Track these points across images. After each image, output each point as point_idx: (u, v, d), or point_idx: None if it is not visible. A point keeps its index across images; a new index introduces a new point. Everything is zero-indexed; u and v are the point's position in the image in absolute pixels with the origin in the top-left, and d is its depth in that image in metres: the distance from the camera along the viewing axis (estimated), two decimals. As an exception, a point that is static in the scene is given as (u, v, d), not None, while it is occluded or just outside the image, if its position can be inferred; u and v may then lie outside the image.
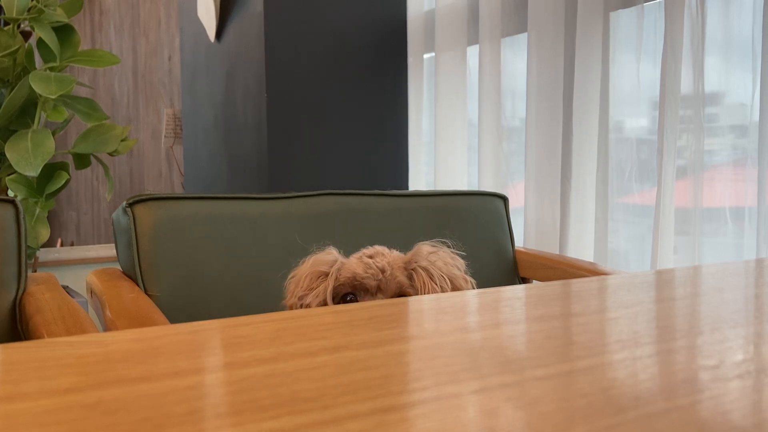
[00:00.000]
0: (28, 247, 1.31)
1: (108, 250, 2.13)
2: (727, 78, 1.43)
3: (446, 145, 1.95)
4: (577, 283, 0.55)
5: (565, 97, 1.63)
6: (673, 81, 1.39)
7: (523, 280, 1.43)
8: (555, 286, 0.54)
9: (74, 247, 2.34)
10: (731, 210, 1.41)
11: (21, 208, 0.99)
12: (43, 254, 2.02)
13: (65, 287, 2.02)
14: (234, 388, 0.30)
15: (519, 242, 1.69)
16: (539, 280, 1.43)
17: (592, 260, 1.61)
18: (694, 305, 0.47)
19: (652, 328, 0.40)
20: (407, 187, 2.11)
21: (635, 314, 0.44)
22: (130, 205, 1.09)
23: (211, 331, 0.40)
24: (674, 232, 1.43)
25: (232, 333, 0.39)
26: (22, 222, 0.98)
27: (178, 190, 3.28)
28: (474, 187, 1.91)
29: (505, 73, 1.83)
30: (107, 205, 4.21)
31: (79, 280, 2.07)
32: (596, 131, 1.57)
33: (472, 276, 0.91)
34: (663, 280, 0.58)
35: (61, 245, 4.76)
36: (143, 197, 1.10)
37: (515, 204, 1.82)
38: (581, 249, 1.61)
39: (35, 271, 1.95)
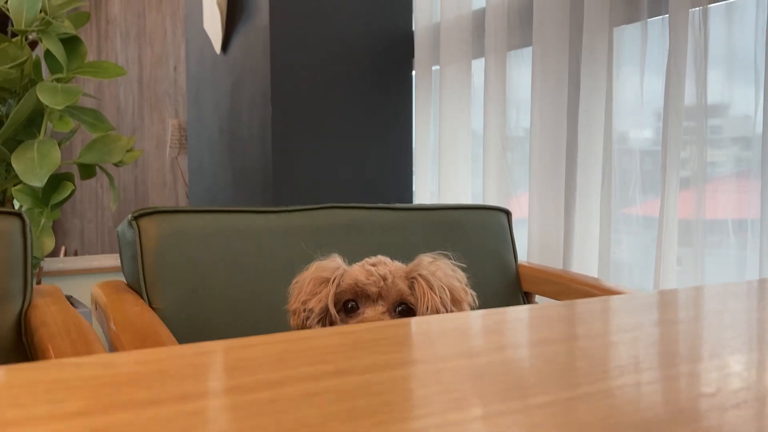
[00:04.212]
0: (33, 257, 1.32)
1: (112, 260, 2.14)
2: (730, 90, 1.44)
3: (450, 156, 1.96)
4: (579, 305, 0.56)
5: (570, 109, 1.64)
6: (677, 93, 1.39)
7: (526, 295, 1.44)
8: (557, 307, 0.55)
9: (78, 257, 2.35)
10: (734, 222, 1.42)
11: (28, 221, 0.99)
12: (48, 264, 2.03)
13: (69, 297, 2.03)
14: (239, 413, 0.30)
15: (522, 253, 1.70)
16: (542, 295, 1.43)
17: (595, 271, 1.61)
18: (694, 329, 0.48)
19: (651, 354, 0.41)
20: (412, 198, 2.11)
21: (635, 338, 0.44)
22: (136, 218, 1.10)
23: (216, 352, 0.41)
24: (677, 243, 1.44)
25: (237, 355, 0.40)
26: (28, 235, 0.99)
27: (183, 200, 3.29)
28: (478, 198, 1.92)
29: (510, 84, 1.84)
30: (111, 214, 4.23)
31: (83, 289, 2.08)
32: (601, 142, 1.58)
33: (475, 290, 0.92)
34: (664, 302, 0.58)
35: (65, 253, 4.77)
36: (148, 210, 1.11)
37: (519, 215, 1.83)
38: (585, 260, 1.62)
39: (40, 281, 1.96)
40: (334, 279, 0.83)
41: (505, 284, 1.41)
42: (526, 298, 1.44)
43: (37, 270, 1.94)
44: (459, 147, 1.96)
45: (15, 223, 0.99)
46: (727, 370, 0.37)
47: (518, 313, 0.53)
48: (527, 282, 1.42)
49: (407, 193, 2.11)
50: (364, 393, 0.33)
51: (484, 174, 1.88)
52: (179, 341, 0.92)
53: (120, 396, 0.32)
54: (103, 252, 4.44)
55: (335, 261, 0.87)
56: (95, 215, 4.68)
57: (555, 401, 0.32)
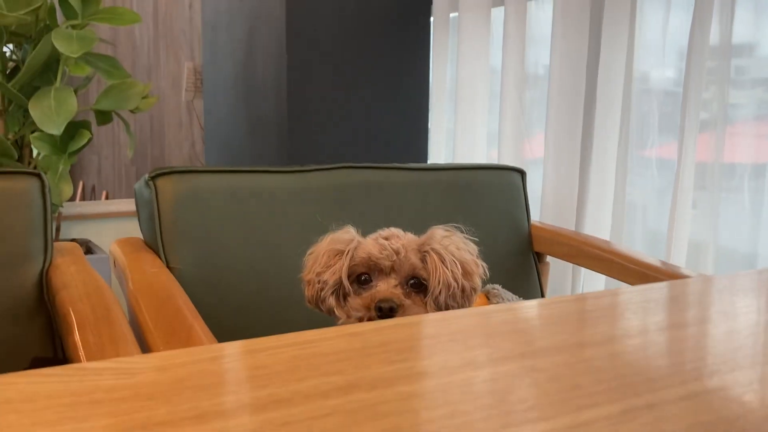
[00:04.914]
0: (52, 204, 1.34)
1: (130, 205, 2.17)
2: (758, 30, 1.41)
3: (467, 95, 1.96)
4: (588, 300, 0.56)
5: (591, 47, 1.62)
6: (703, 31, 1.36)
7: (538, 255, 1.45)
8: (567, 303, 0.56)
9: (97, 201, 2.38)
10: (752, 167, 1.41)
11: (46, 180, 1.01)
12: (67, 208, 2.06)
13: (87, 241, 2.07)
14: (252, 439, 0.32)
15: (537, 194, 1.71)
16: (553, 257, 1.44)
17: (610, 213, 1.62)
18: (699, 336, 0.49)
19: (654, 368, 0.42)
20: (427, 142, 2.11)
21: (641, 347, 0.45)
22: (153, 178, 1.11)
23: (229, 357, 0.43)
24: (693, 187, 1.43)
25: (250, 362, 0.41)
26: (47, 195, 1.01)
27: (199, 141, 3.30)
28: (493, 138, 1.93)
29: (530, 21, 1.82)
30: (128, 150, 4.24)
31: (102, 234, 2.12)
32: (621, 82, 1.56)
33: (487, 251, 0.93)
34: (673, 296, 0.59)
35: (83, 189, 4.83)
36: (165, 170, 1.12)
37: (534, 155, 1.84)
38: (600, 202, 1.62)
39: (59, 226, 1.99)
40: (348, 252, 0.85)
41: (517, 245, 1.42)
42: (537, 258, 1.45)
43: (57, 215, 1.97)
44: (477, 85, 1.95)
45: (34, 182, 1.00)
46: (727, 391, 0.38)
47: (525, 310, 0.54)
48: (539, 243, 1.43)
49: (422, 138, 2.10)
50: (371, 415, 0.34)
51: (500, 113, 1.87)
52: (195, 302, 0.95)
53: (140, 414, 0.34)
54: (119, 188, 4.48)
55: (349, 233, 0.88)
56: (112, 152, 4.70)
57: (556, 430, 0.33)
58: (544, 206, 1.75)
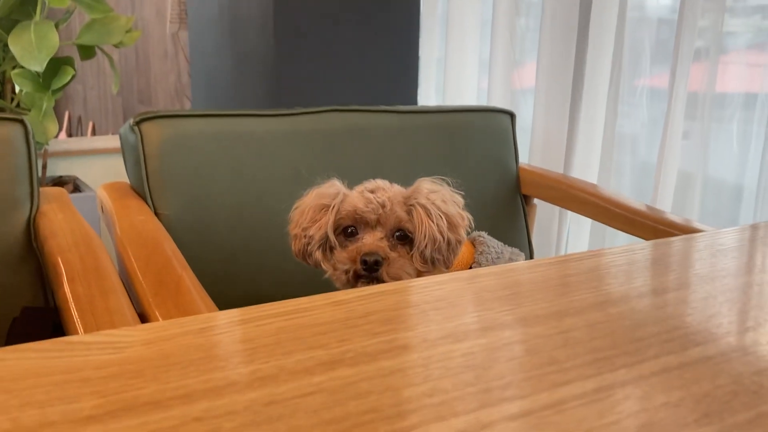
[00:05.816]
0: (36, 142, 1.32)
1: (116, 141, 2.15)
2: None
3: (458, 21, 1.92)
4: (571, 262, 0.57)
5: None
6: None
7: (525, 198, 1.46)
8: (549, 266, 0.57)
9: (83, 137, 2.35)
10: (744, 96, 1.41)
11: (30, 127, 1.00)
12: (53, 145, 2.04)
13: (74, 178, 2.06)
14: (237, 421, 0.33)
15: (527, 125, 1.70)
16: (540, 199, 1.45)
17: (600, 145, 1.62)
18: (677, 303, 0.50)
19: (630, 341, 0.43)
20: (417, 74, 2.07)
21: (619, 316, 0.47)
22: (137, 123, 1.09)
23: (217, 329, 0.43)
24: (684, 116, 1.43)
25: (236, 335, 0.42)
26: (31, 141, 1.00)
27: (185, 73, 3.23)
28: (484, 66, 1.90)
29: None
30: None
31: (89, 170, 2.11)
32: (616, 8, 1.53)
33: (475, 194, 0.95)
34: (655, 258, 0.60)
35: (69, 120, 4.76)
36: (150, 115, 1.10)
37: (525, 84, 1.82)
38: (591, 134, 1.62)
39: (46, 163, 1.98)
40: (333, 206, 0.85)
41: (505, 188, 1.43)
42: (525, 201, 1.46)
43: (42, 151, 1.95)
44: (468, 12, 1.91)
45: (17, 129, 0.99)
46: (696, 367, 0.40)
47: (508, 275, 0.54)
48: (527, 186, 1.44)
49: (413, 70, 2.06)
50: (353, 394, 0.35)
51: (491, 41, 1.84)
52: (183, 247, 0.95)
53: (128, 393, 0.35)
54: (106, 118, 4.43)
55: (334, 186, 0.88)
56: (97, 82, 4.61)
57: (528, 411, 0.34)
58: (534, 138, 1.74)
